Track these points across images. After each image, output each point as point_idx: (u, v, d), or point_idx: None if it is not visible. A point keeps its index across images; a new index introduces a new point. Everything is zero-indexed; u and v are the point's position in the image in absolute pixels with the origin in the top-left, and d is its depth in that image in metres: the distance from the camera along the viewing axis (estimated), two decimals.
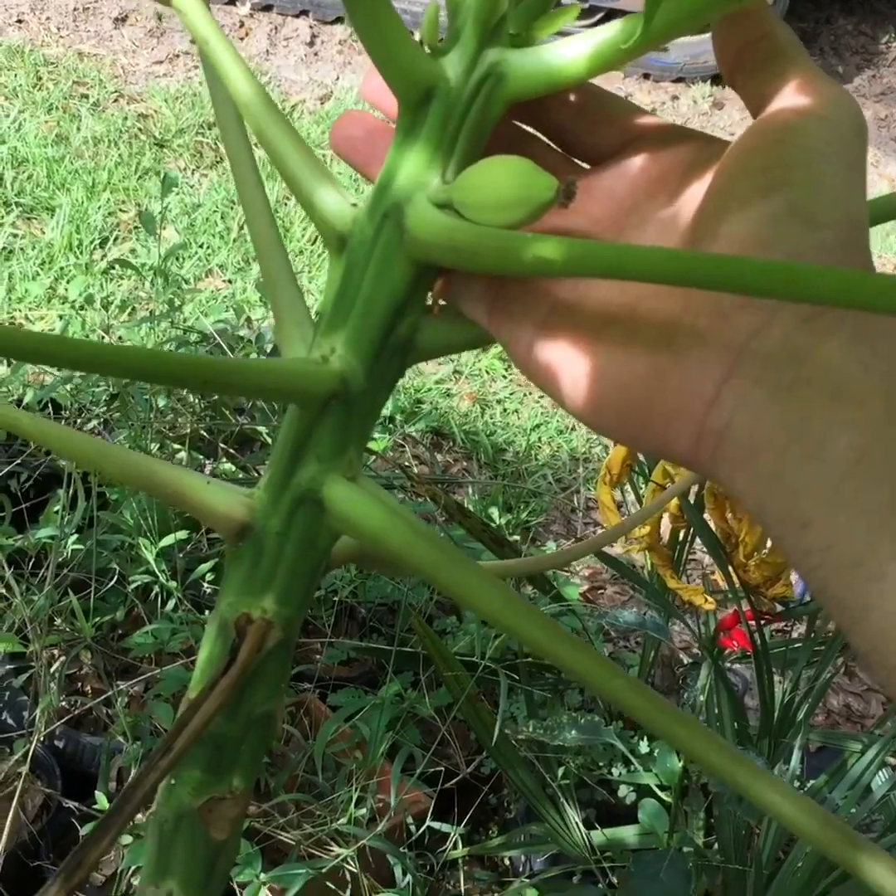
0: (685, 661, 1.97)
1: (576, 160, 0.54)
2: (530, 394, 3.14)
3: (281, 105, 3.85)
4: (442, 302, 0.52)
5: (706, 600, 1.33)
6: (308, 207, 0.53)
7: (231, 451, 2.23)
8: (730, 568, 1.31)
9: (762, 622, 1.35)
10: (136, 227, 3.03)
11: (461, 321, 0.53)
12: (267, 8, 4.16)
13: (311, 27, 4.28)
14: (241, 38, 4.24)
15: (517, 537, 2.43)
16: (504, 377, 3.18)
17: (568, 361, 0.48)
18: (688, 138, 0.50)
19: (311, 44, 4.23)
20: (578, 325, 0.48)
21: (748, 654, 1.36)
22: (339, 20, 4.31)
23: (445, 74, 0.48)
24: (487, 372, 3.18)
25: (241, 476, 2.11)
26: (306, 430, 0.54)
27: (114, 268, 2.84)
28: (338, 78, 4.12)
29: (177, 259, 2.88)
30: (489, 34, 0.48)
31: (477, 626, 1.83)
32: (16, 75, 3.60)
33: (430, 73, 0.48)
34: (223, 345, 2.03)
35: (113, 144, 3.44)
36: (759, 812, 1.33)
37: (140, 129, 3.57)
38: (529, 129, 0.54)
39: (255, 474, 2.19)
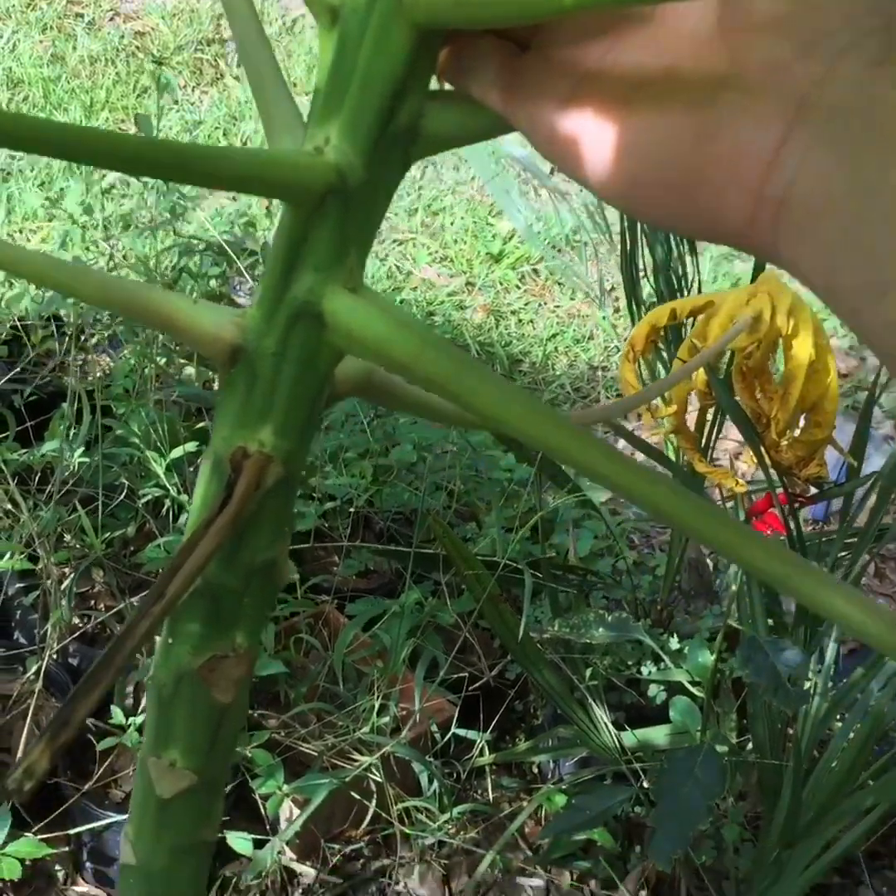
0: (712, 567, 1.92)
1: None
2: (545, 304, 3.07)
3: (281, 20, 3.76)
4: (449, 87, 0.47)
5: (737, 483, 1.27)
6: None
7: None
8: (761, 449, 1.25)
9: (795, 505, 1.30)
10: None
11: (471, 106, 0.47)
12: None
13: None
14: None
15: None
16: (518, 288, 3.11)
17: (596, 133, 0.42)
18: None
19: None
20: (608, 95, 0.42)
21: (781, 538, 1.30)
22: None
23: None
24: (501, 283, 3.10)
25: None
26: (300, 235, 0.48)
27: (115, 187, 2.77)
28: None
29: None
30: None
31: (497, 531, 1.77)
32: None
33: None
34: (230, 252, 1.96)
35: (110, 63, 3.36)
36: (796, 703, 1.28)
37: (137, 47, 3.48)
38: None
39: None
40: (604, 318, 2.92)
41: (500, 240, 3.19)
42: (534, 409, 0.45)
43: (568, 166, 0.44)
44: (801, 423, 1.27)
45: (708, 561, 1.96)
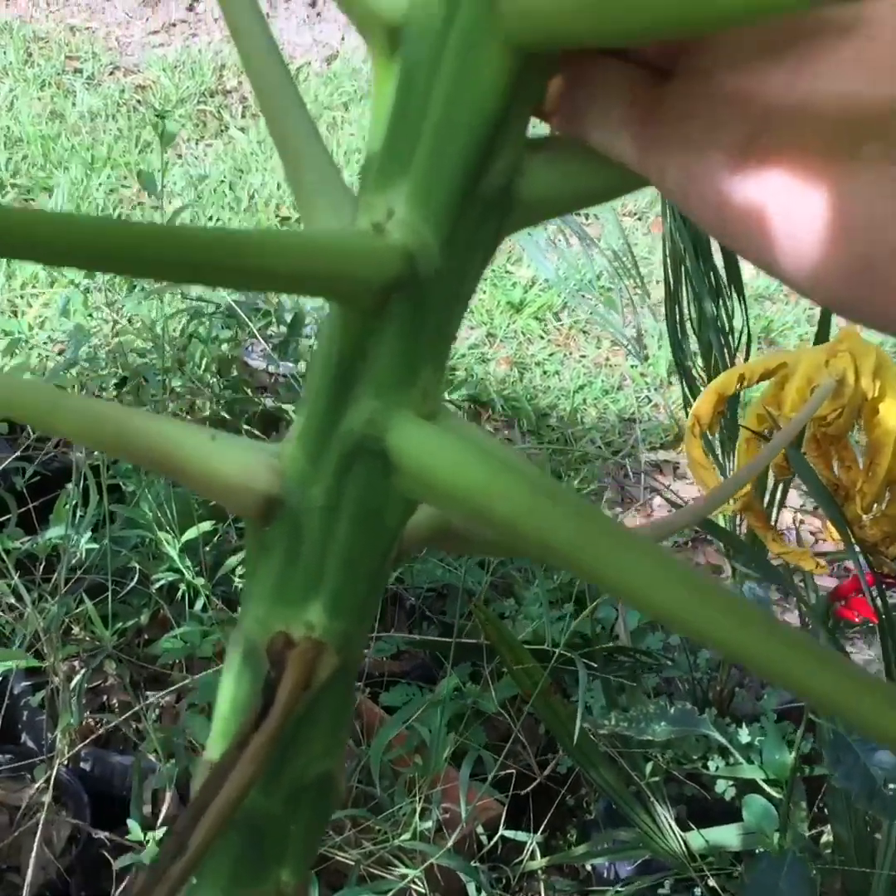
0: None
1: None
2: (570, 353, 2.93)
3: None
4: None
5: (817, 565, 1.13)
6: None
7: (255, 433, 2.05)
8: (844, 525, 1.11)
9: (885, 587, 1.16)
10: (139, 203, 2.84)
11: (588, 159, 0.34)
12: None
13: None
14: None
15: None
16: (541, 338, 2.97)
17: (797, 199, 0.29)
18: None
19: (313, 4, 4.03)
20: (809, 140, 0.29)
21: (872, 625, 1.16)
22: None
23: None
24: (523, 333, 2.97)
25: None
26: (355, 346, 0.35)
27: None
28: (343, 37, 3.93)
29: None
30: None
31: (544, 608, 1.63)
32: (5, 53, 3.41)
33: None
34: (242, 315, 1.84)
35: (111, 118, 3.25)
36: (894, 811, 1.13)
37: (139, 101, 3.38)
38: None
39: None
40: (633, 366, 2.78)
41: (520, 288, 3.06)
42: (705, 597, 0.32)
43: (750, 247, 0.30)
44: (887, 495, 1.13)
45: None
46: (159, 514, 1.72)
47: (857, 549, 1.13)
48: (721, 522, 1.73)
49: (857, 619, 1.18)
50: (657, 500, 2.44)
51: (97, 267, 0.30)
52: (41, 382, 0.44)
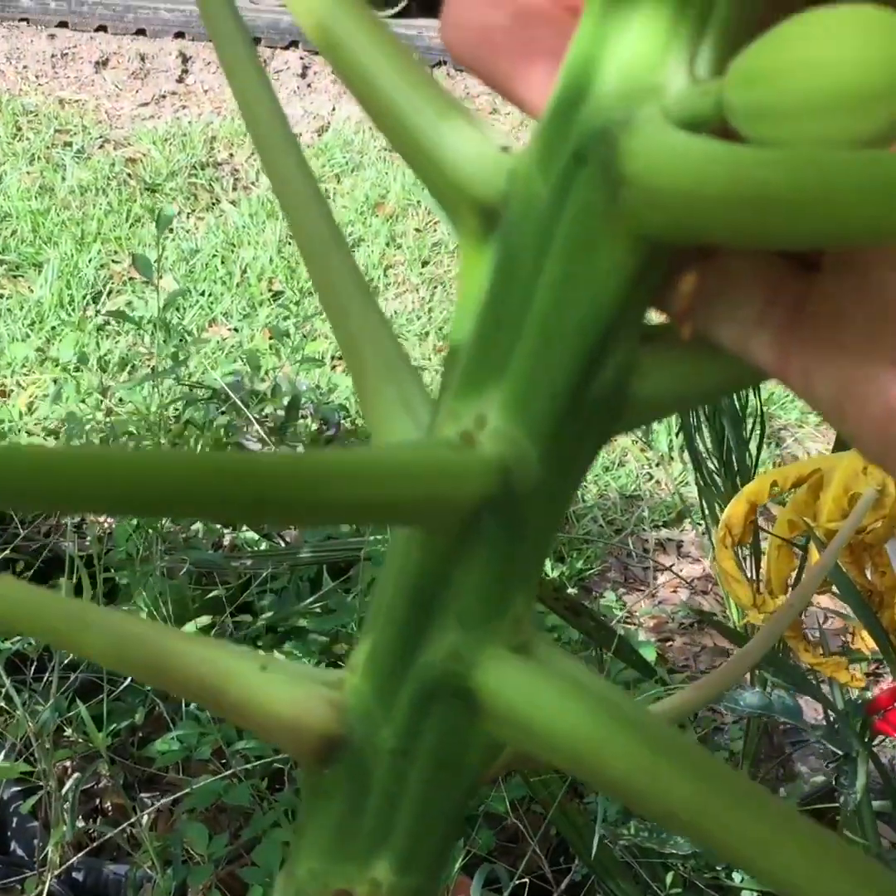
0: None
1: None
2: None
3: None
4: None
5: (853, 677, 1.08)
6: (419, 159, 0.28)
7: None
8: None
9: None
10: (131, 279, 2.80)
11: (710, 355, 0.29)
12: (255, 41, 3.96)
13: (301, 58, 4.08)
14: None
15: (574, 590, 2.19)
16: None
17: None
18: None
19: (303, 75, 4.02)
20: None
21: None
22: None
23: None
24: None
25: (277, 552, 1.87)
26: (438, 571, 0.29)
27: (109, 323, 2.60)
28: (334, 108, 3.91)
29: (177, 309, 2.65)
30: None
31: None
32: None
33: None
34: (237, 401, 1.79)
35: (101, 192, 3.21)
36: None
37: (129, 175, 3.34)
38: None
39: (281, 543, 1.96)
40: (634, 442, 2.74)
41: None
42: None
43: None
44: None
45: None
46: (154, 608, 1.66)
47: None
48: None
49: (895, 735, 1.12)
50: (662, 578, 2.39)
51: (136, 512, 0.24)
52: (67, 600, 0.39)
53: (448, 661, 0.30)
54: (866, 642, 1.13)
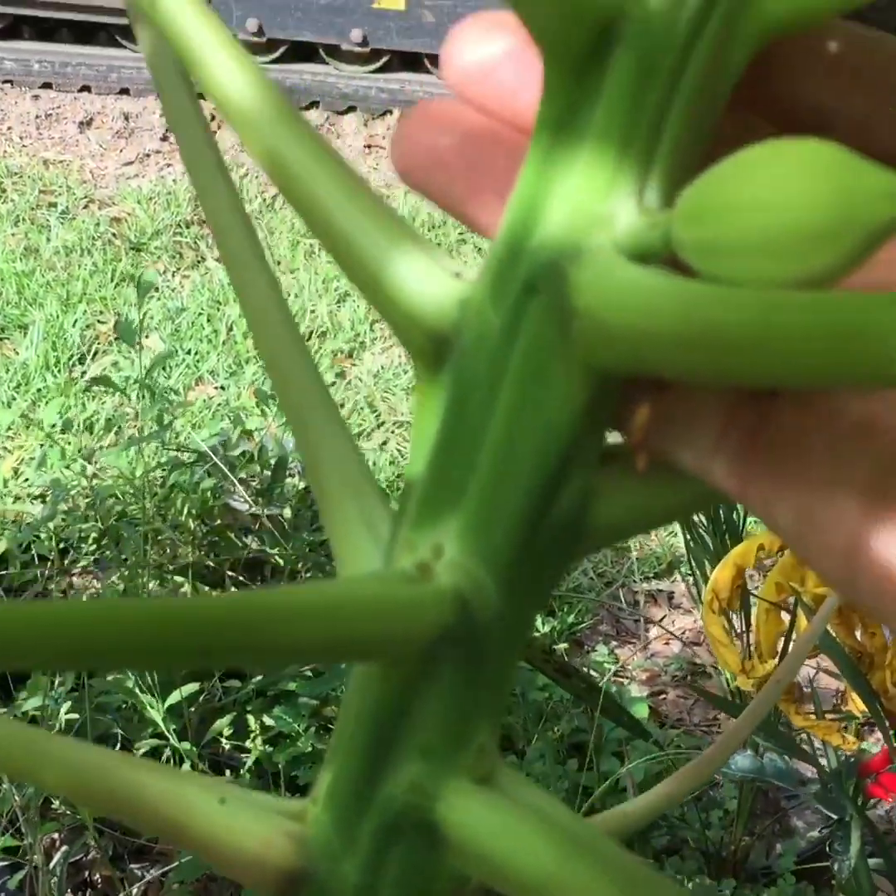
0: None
1: None
2: None
3: (261, 196, 3.65)
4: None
5: (845, 740, 1.07)
6: (370, 287, 0.28)
7: (240, 578, 1.98)
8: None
9: None
10: (116, 339, 2.80)
11: (670, 478, 0.28)
12: None
13: None
14: (214, 132, 4.04)
15: (565, 644, 2.17)
16: None
17: None
18: None
19: None
20: None
21: None
22: (313, 105, 4.14)
23: None
24: None
25: None
26: (398, 705, 0.29)
27: (96, 384, 2.60)
28: None
29: (164, 368, 2.64)
30: None
31: (548, 763, 1.56)
32: None
33: None
34: (222, 466, 1.78)
35: (86, 252, 3.22)
36: None
37: (114, 234, 3.35)
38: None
39: None
40: None
41: None
42: None
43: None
44: None
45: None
46: (140, 677, 1.65)
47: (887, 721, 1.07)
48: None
49: (889, 799, 1.11)
50: (653, 631, 2.38)
51: (67, 667, 0.24)
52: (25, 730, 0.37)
53: (410, 794, 0.29)
54: (857, 704, 1.12)
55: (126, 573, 1.80)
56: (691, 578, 2.09)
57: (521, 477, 0.26)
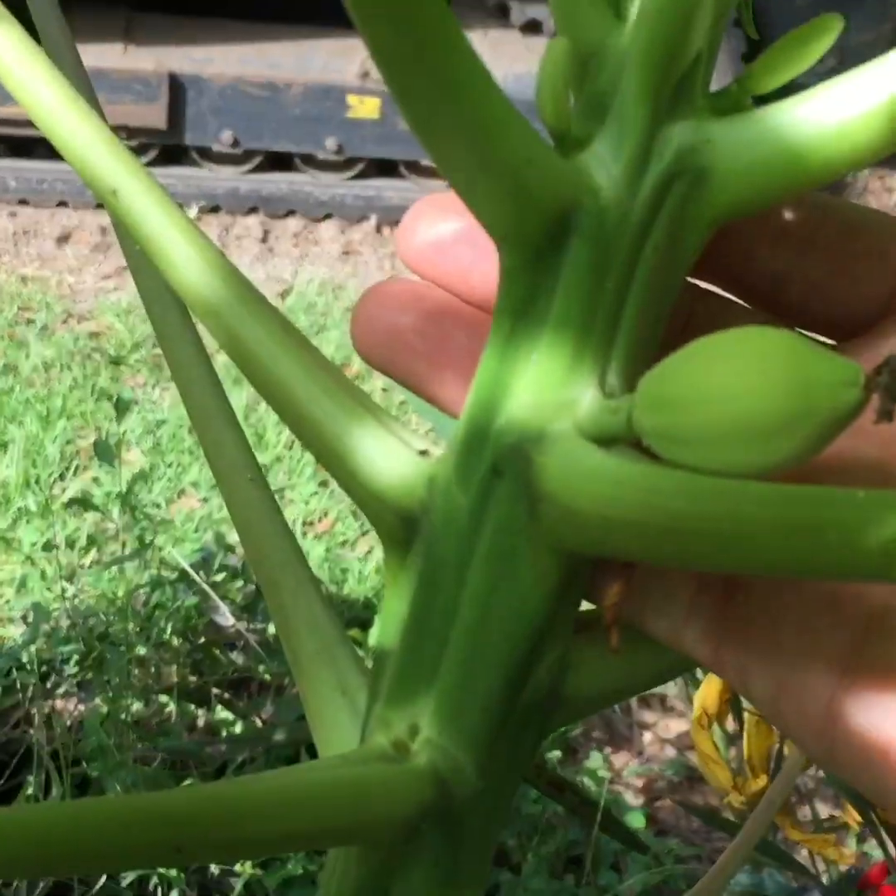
0: None
1: (804, 332, 0.29)
2: None
3: None
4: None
5: (842, 854, 1.05)
6: (336, 467, 0.28)
7: (226, 696, 1.96)
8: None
9: None
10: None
11: (644, 641, 0.28)
12: (215, 209, 4.03)
13: (262, 223, 4.15)
14: None
15: (558, 752, 2.15)
16: None
17: None
18: None
19: (264, 240, 4.08)
20: None
21: None
22: (290, 214, 4.19)
23: (592, 182, 0.24)
24: None
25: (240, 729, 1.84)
26: (377, 885, 0.28)
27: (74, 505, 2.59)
28: (296, 272, 3.97)
29: (145, 481, 2.64)
30: (671, 95, 0.24)
31: (543, 878, 1.53)
32: None
33: (565, 181, 0.24)
34: (203, 585, 1.77)
35: (65, 368, 3.23)
36: None
37: (93, 349, 3.36)
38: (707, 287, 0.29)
39: (257, 722, 1.92)
40: None
41: None
42: None
43: (872, 785, 0.24)
44: None
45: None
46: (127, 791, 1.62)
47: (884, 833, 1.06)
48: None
49: None
50: (647, 736, 2.36)
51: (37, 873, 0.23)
52: None
53: None
54: (853, 815, 1.10)
55: (110, 695, 1.78)
56: (683, 680, 2.08)
57: (494, 655, 0.26)
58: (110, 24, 3.74)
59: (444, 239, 0.28)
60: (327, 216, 4.32)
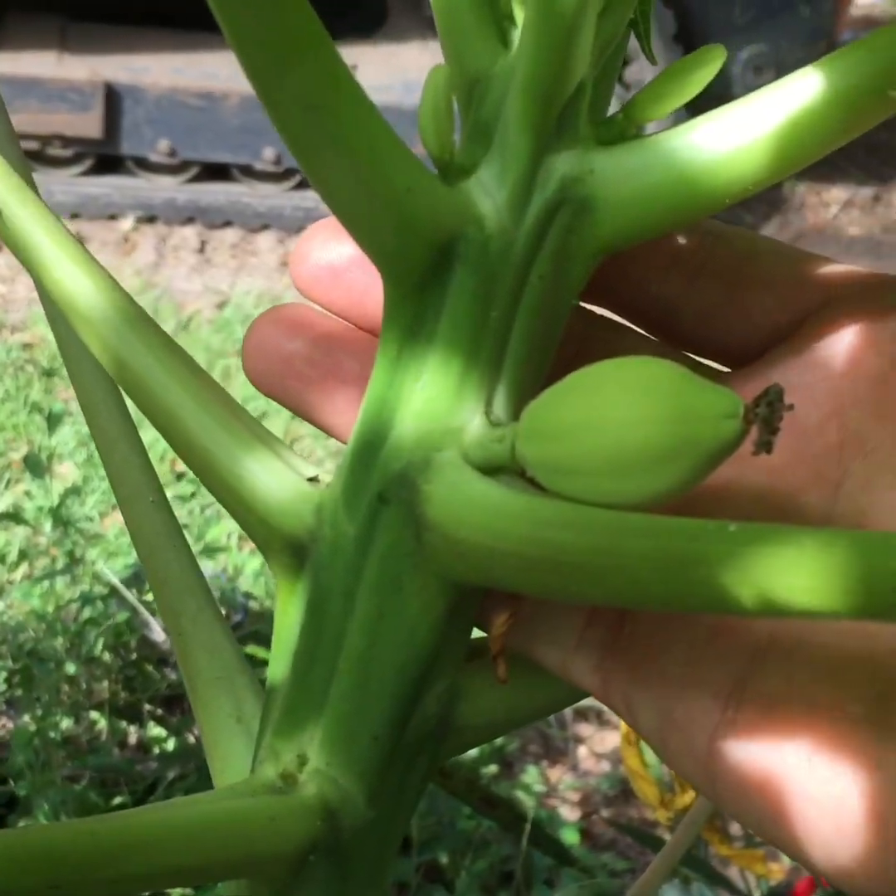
0: None
1: (697, 359, 0.29)
2: None
3: (176, 317, 3.65)
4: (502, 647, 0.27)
5: (768, 869, 1.06)
6: (225, 495, 0.27)
7: (159, 712, 1.94)
8: None
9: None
10: None
11: (535, 671, 0.28)
12: (151, 219, 4.01)
13: (199, 234, 4.13)
14: (128, 254, 4.07)
15: (495, 767, 2.15)
16: None
17: (802, 770, 0.23)
18: None
19: (202, 251, 4.05)
20: (809, 691, 0.24)
21: None
22: (227, 224, 4.17)
23: (476, 211, 0.24)
24: None
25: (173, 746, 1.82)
26: None
27: (8, 512, 2.56)
28: (234, 283, 3.95)
29: (78, 495, 2.61)
30: (555, 124, 0.24)
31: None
32: None
33: (448, 210, 0.23)
34: (133, 601, 1.75)
35: None
36: None
37: (26, 360, 3.32)
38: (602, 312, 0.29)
39: (190, 738, 1.90)
40: None
41: None
42: None
43: (751, 817, 0.24)
44: None
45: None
46: (55, 819, 1.60)
47: None
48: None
49: None
50: (583, 750, 2.36)
51: None
52: None
53: None
54: None
55: (39, 713, 1.76)
56: None
57: (382, 684, 0.26)
58: (45, 33, 3.71)
59: (338, 264, 0.28)
60: (265, 227, 4.30)
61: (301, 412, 0.29)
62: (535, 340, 0.25)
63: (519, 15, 0.24)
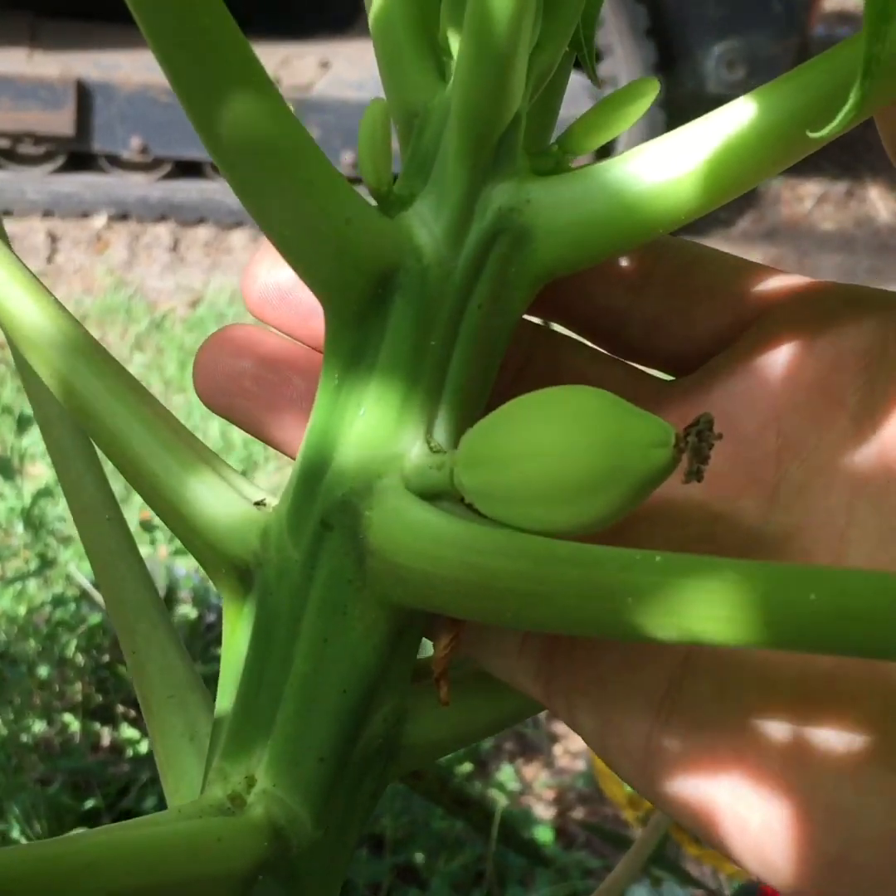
0: None
1: (643, 369, 0.30)
2: None
3: (149, 315, 3.64)
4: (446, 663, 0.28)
5: (738, 867, 1.06)
6: (172, 518, 0.28)
7: (132, 714, 1.94)
8: None
9: None
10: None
11: (483, 690, 0.28)
12: (123, 217, 3.99)
13: (172, 232, 4.12)
14: (100, 252, 4.06)
15: (470, 765, 2.15)
16: None
17: (733, 790, 0.24)
18: (862, 305, 0.27)
19: (175, 249, 4.04)
20: (738, 699, 0.24)
21: None
22: (201, 222, 4.15)
23: (414, 242, 0.24)
24: None
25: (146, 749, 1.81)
26: None
27: None
28: (207, 281, 3.94)
29: (51, 496, 2.60)
30: (492, 156, 0.24)
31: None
32: None
33: (386, 241, 0.24)
34: (100, 603, 1.75)
35: None
36: None
37: None
38: (549, 324, 0.30)
39: None
40: None
41: None
42: None
43: (689, 824, 0.25)
44: None
45: None
46: (27, 826, 1.60)
47: None
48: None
49: None
50: (558, 748, 2.37)
51: None
52: None
53: None
54: None
55: (11, 716, 1.75)
56: None
57: (327, 706, 0.26)
58: (15, 30, 3.69)
59: (286, 284, 0.29)
60: (238, 224, 4.29)
61: (251, 430, 0.29)
62: (475, 367, 0.25)
63: (455, 48, 0.24)
